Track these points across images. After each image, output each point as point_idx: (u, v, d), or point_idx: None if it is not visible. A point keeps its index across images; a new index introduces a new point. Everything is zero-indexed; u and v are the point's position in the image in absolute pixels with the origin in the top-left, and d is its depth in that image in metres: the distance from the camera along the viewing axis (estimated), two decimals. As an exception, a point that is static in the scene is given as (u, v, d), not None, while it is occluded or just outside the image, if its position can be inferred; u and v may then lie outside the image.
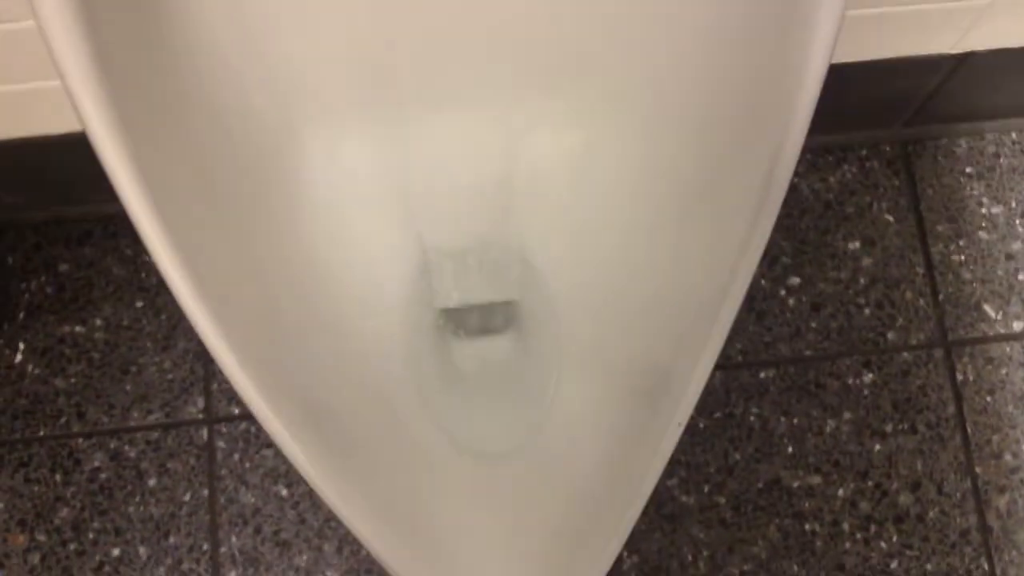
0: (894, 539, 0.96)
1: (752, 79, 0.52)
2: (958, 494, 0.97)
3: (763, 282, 1.01)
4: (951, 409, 0.99)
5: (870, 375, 0.99)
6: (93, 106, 0.41)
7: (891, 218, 1.03)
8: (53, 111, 0.77)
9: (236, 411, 0.97)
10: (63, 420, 0.96)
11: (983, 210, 1.03)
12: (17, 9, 0.64)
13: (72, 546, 0.94)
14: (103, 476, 0.95)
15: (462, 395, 0.65)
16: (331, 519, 0.94)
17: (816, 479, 0.97)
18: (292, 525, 0.94)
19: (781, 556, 0.95)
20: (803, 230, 1.02)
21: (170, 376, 0.97)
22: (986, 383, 0.99)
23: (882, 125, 1.02)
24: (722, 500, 0.96)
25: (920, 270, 1.02)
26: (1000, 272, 1.02)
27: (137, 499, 0.95)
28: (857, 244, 1.02)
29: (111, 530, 0.94)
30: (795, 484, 0.97)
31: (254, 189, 0.58)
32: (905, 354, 1.00)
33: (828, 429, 0.98)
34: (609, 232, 0.62)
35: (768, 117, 0.49)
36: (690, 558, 0.95)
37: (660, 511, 0.96)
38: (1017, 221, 1.03)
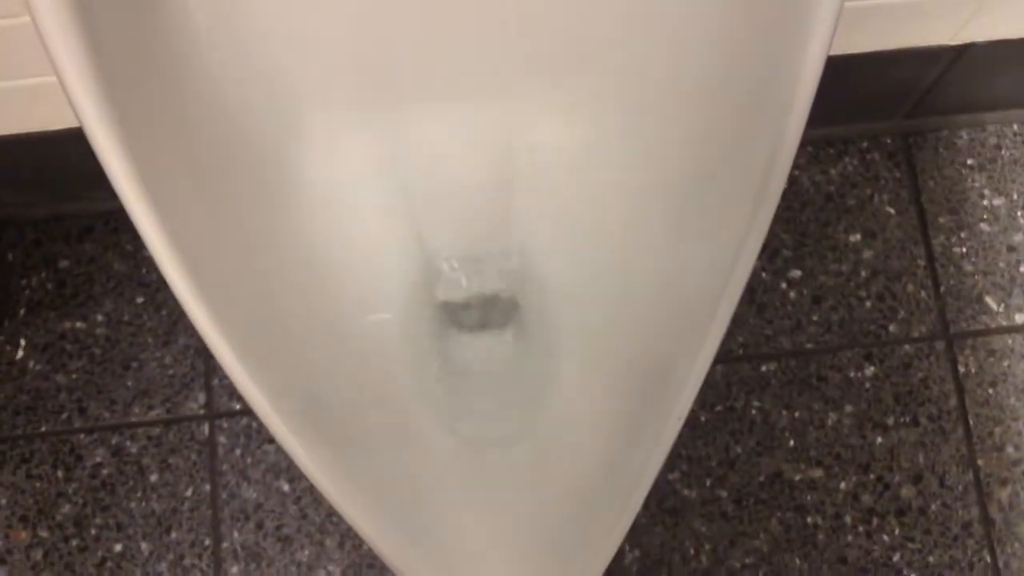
0: (896, 532, 0.96)
1: (751, 72, 0.52)
2: (960, 487, 0.97)
3: (764, 275, 1.01)
4: (953, 402, 0.99)
5: (872, 368, 0.99)
6: (90, 103, 0.41)
7: (892, 210, 1.03)
8: (52, 107, 0.77)
9: (237, 406, 0.97)
10: (64, 416, 0.96)
11: (984, 202, 1.03)
12: (13, 5, 0.64)
13: (74, 542, 0.94)
14: (105, 472, 0.95)
15: (462, 389, 0.65)
16: (333, 514, 0.94)
17: (818, 472, 0.97)
18: (294, 520, 0.94)
19: (783, 549, 0.95)
20: (804, 223, 1.02)
21: (171, 372, 0.97)
22: (988, 375, 0.99)
23: (883, 117, 1.02)
24: (724, 494, 0.96)
25: (921, 262, 1.02)
26: (1002, 264, 1.02)
27: (139, 495, 0.95)
28: (858, 236, 1.02)
29: (113, 526, 0.94)
30: (797, 477, 0.97)
31: (253, 184, 0.57)
32: (907, 347, 1.00)
33: (830, 422, 0.98)
34: (609, 226, 0.62)
35: (767, 109, 0.48)
36: (692, 552, 0.95)
37: (662, 505, 0.96)
38: (1019, 213, 1.03)
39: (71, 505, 0.94)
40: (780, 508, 0.96)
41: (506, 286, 0.67)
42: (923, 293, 1.01)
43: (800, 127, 0.46)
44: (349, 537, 0.94)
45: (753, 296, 1.00)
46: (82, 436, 0.96)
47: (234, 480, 0.95)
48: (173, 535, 0.94)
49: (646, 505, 0.95)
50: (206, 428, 0.96)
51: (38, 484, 0.95)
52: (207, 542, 0.94)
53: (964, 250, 1.02)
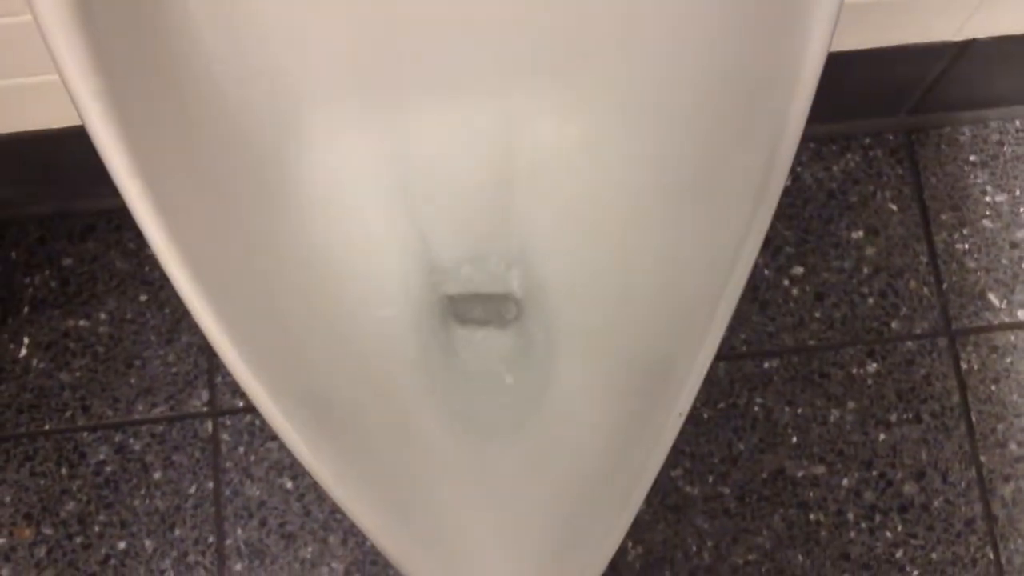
0: (899, 528, 0.96)
1: (752, 68, 0.52)
2: (963, 483, 0.97)
3: (766, 272, 1.01)
4: (955, 398, 0.99)
5: (874, 364, 0.99)
6: (91, 100, 0.41)
7: (895, 207, 1.03)
8: (54, 106, 0.78)
9: (240, 404, 0.97)
10: (68, 414, 0.96)
11: (987, 198, 1.03)
12: (14, 4, 0.64)
13: (78, 539, 0.94)
14: (108, 469, 0.95)
15: (463, 387, 0.65)
16: (336, 511, 0.95)
17: (820, 469, 0.97)
18: (297, 517, 0.94)
19: (786, 546, 0.95)
20: (806, 219, 1.02)
21: (174, 369, 0.98)
22: (990, 372, 0.99)
23: (885, 113, 1.02)
24: (726, 490, 0.96)
25: (924, 259, 1.01)
26: (1004, 260, 1.02)
27: (142, 492, 0.95)
28: (860, 233, 1.02)
29: (117, 523, 0.94)
30: (799, 474, 0.97)
31: (253, 183, 0.58)
32: (909, 343, 1.00)
33: (832, 419, 0.98)
34: (610, 222, 0.62)
35: (768, 106, 0.48)
36: (694, 548, 0.95)
37: (664, 502, 0.96)
38: (1021, 209, 1.03)
39: (75, 502, 0.95)
40: (783, 505, 0.96)
41: (507, 284, 0.67)
42: (925, 290, 1.01)
43: (800, 125, 0.46)
44: (352, 534, 0.94)
45: (756, 293, 1.00)
46: (86, 434, 0.96)
47: (237, 477, 0.95)
48: (177, 532, 0.94)
49: (648, 502, 0.95)
50: (209, 425, 0.97)
51: (42, 482, 0.95)
52: (210, 539, 0.94)
53: (966, 247, 1.02)
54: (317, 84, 0.60)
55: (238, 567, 0.94)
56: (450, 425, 0.62)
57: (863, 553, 0.95)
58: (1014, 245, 1.02)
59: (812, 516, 0.96)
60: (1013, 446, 0.98)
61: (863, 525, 0.96)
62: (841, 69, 0.85)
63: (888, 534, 0.96)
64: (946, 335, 1.00)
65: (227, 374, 0.97)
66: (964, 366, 0.99)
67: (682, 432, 0.49)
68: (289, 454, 0.89)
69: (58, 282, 0.99)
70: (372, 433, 0.56)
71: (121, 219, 1.01)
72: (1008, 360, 1.00)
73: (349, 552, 0.94)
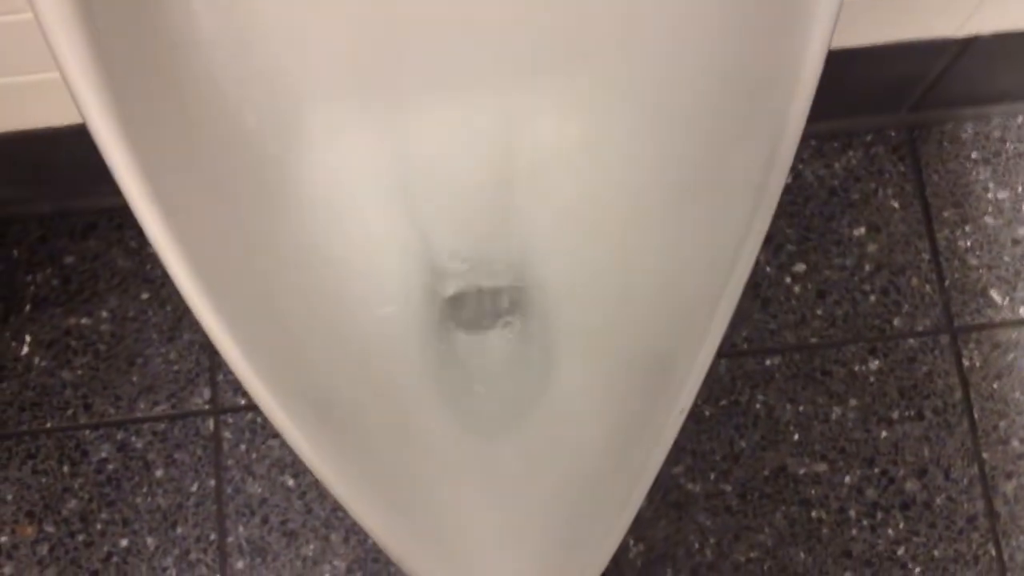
0: (901, 526, 0.96)
1: (752, 67, 0.51)
2: (965, 480, 0.97)
3: (768, 269, 1.01)
4: (958, 395, 0.99)
5: (876, 362, 0.99)
6: (93, 98, 0.41)
7: (896, 204, 1.03)
8: (56, 103, 0.78)
9: (242, 402, 0.97)
10: (70, 412, 0.97)
11: (989, 195, 1.03)
12: (16, 1, 0.64)
13: (80, 537, 0.94)
14: (110, 467, 0.95)
15: (464, 384, 0.65)
16: (338, 509, 0.95)
17: (822, 466, 0.97)
18: (299, 515, 0.95)
19: (787, 543, 0.95)
20: (808, 217, 1.02)
21: (176, 367, 0.98)
22: (993, 369, 0.99)
23: (887, 110, 1.02)
24: (728, 488, 0.96)
25: (926, 256, 1.01)
26: (1007, 257, 1.01)
27: (144, 490, 0.95)
28: (862, 230, 1.02)
29: (119, 521, 0.94)
30: (801, 471, 0.97)
31: (253, 182, 0.58)
32: (911, 340, 1.00)
33: (834, 416, 0.98)
34: (610, 220, 0.62)
35: (768, 103, 0.48)
36: (696, 546, 0.95)
37: (666, 499, 0.96)
38: (1023, 206, 1.03)
39: (77, 500, 0.95)
40: (784, 502, 0.96)
41: (507, 283, 0.67)
42: (927, 287, 1.01)
43: (801, 124, 0.46)
44: (354, 532, 0.94)
45: (757, 290, 1.00)
46: (87, 432, 0.96)
47: (239, 475, 0.95)
48: (179, 530, 0.94)
49: (650, 499, 0.95)
50: (211, 423, 0.97)
51: (44, 480, 0.95)
52: (212, 537, 0.94)
53: (968, 244, 1.02)
54: (317, 83, 0.60)
55: (240, 565, 0.94)
56: (451, 423, 0.62)
57: (865, 550, 0.95)
58: (1016, 242, 1.02)
59: (814, 513, 0.96)
60: (1015, 443, 0.98)
61: (865, 522, 0.96)
62: (843, 66, 0.85)
63: (890, 531, 0.96)
64: (948, 332, 1.00)
65: (229, 372, 0.97)
66: (966, 363, 0.99)
67: (683, 429, 0.49)
68: (291, 452, 0.89)
69: (60, 280, 1.00)
70: (373, 432, 0.56)
71: (122, 217, 1.01)
72: (1010, 357, 0.99)
73: (351, 550, 0.94)
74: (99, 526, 0.94)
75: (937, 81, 0.94)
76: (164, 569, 0.94)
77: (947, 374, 0.99)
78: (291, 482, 0.95)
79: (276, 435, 0.96)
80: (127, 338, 0.98)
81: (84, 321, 0.99)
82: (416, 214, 0.65)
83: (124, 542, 0.94)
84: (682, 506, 0.96)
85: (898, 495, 0.96)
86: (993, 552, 0.95)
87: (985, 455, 0.97)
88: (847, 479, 0.97)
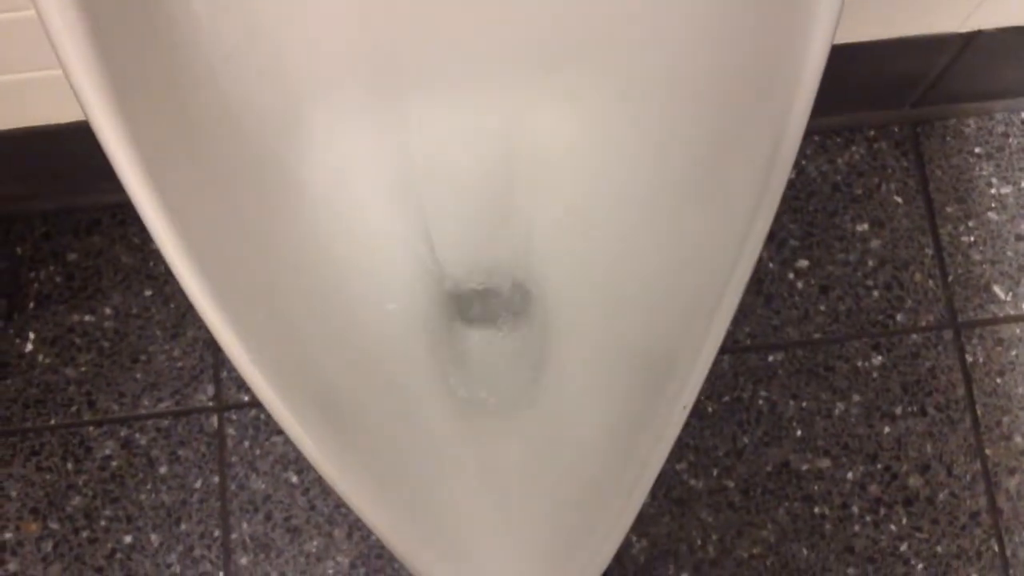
0: (904, 522, 0.96)
1: (755, 64, 0.51)
2: (968, 476, 0.97)
3: (771, 265, 1.00)
4: (961, 391, 0.98)
5: (879, 357, 0.99)
6: (95, 95, 0.41)
7: (900, 199, 1.02)
8: (59, 100, 0.78)
9: (246, 398, 0.97)
10: (74, 409, 0.97)
11: (992, 190, 1.03)
12: (18, -1, 0.64)
13: (84, 533, 0.94)
14: (114, 464, 0.96)
15: (467, 381, 0.65)
16: (341, 505, 0.95)
17: (825, 462, 0.97)
18: (302, 511, 0.95)
19: (790, 539, 0.95)
20: (811, 212, 1.02)
21: (180, 364, 0.98)
22: (996, 364, 0.99)
23: (890, 106, 1.02)
24: (731, 484, 0.96)
25: (929, 251, 1.01)
26: (1010, 253, 1.01)
27: (148, 486, 0.95)
28: (865, 226, 1.02)
29: (123, 517, 0.95)
30: (804, 467, 0.97)
31: (257, 178, 0.58)
32: (914, 336, 0.99)
33: (837, 412, 0.98)
34: (613, 216, 0.62)
35: (771, 99, 0.48)
36: (699, 542, 0.95)
37: (669, 495, 0.96)
38: (1027, 201, 1.03)
39: (81, 497, 0.95)
40: (787, 498, 0.96)
41: (510, 280, 0.67)
42: (931, 282, 1.01)
43: (805, 117, 0.46)
44: (357, 528, 0.94)
45: (760, 286, 1.00)
46: (91, 429, 0.96)
47: (243, 472, 0.95)
48: (182, 527, 0.94)
49: (653, 495, 0.95)
50: (215, 420, 0.97)
51: (48, 476, 0.95)
52: (216, 533, 0.94)
53: (972, 239, 1.02)
54: (319, 82, 0.60)
55: (244, 561, 0.94)
56: (454, 420, 0.62)
57: (868, 546, 0.95)
58: (1020, 237, 1.02)
59: (817, 509, 0.96)
60: (1019, 439, 0.98)
61: (868, 518, 0.96)
62: (846, 61, 0.85)
63: (893, 527, 0.96)
64: (951, 328, 1.00)
65: (232, 369, 0.97)
66: (969, 359, 0.99)
67: (686, 426, 0.49)
68: (294, 448, 0.90)
69: (63, 277, 1.00)
70: (376, 428, 0.56)
71: (126, 214, 1.01)
72: (1014, 353, 0.99)
73: (354, 546, 0.94)
74: (103, 523, 0.94)
75: (940, 76, 0.94)
76: (168, 565, 0.94)
77: (950, 370, 0.99)
78: (295, 478, 0.95)
79: (280, 432, 0.96)
80: (131, 335, 0.98)
81: (88, 318, 0.99)
82: (418, 212, 0.65)
83: (128, 539, 0.94)
84: (685, 502, 0.96)
85: (901, 491, 0.96)
86: (996, 548, 0.95)
87: (988, 451, 0.97)
88: (850, 475, 0.96)
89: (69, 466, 0.96)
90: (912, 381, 0.99)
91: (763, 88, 0.50)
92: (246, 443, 0.96)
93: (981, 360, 0.99)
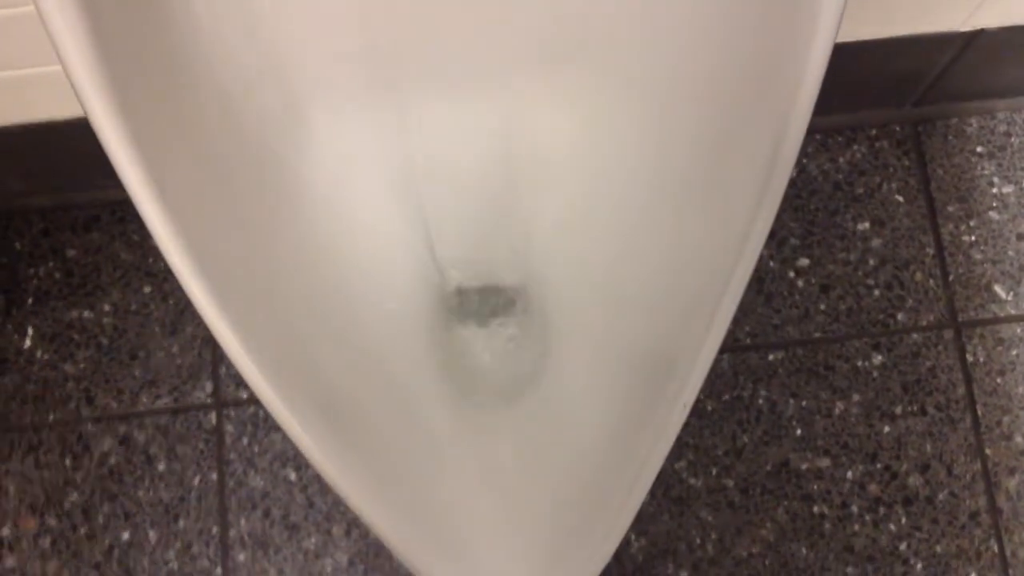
0: (903, 521, 0.96)
1: (755, 60, 0.51)
2: (968, 476, 0.97)
3: (772, 264, 1.00)
4: (961, 391, 0.98)
5: (879, 357, 0.99)
6: (94, 91, 0.41)
7: (901, 198, 1.02)
8: (58, 96, 0.77)
9: (244, 395, 0.97)
10: (72, 405, 0.97)
11: (994, 190, 1.03)
12: (18, -6, 0.64)
13: (82, 530, 0.94)
14: (112, 460, 0.96)
15: (467, 378, 0.65)
16: (339, 503, 0.95)
17: (825, 461, 0.97)
18: (301, 508, 0.95)
19: (789, 538, 0.95)
20: (812, 211, 1.02)
21: (178, 361, 0.98)
22: (996, 364, 0.99)
23: (892, 105, 1.02)
24: (730, 483, 0.96)
25: (930, 251, 1.01)
26: (1011, 252, 1.01)
27: (146, 483, 0.95)
28: (866, 225, 1.02)
29: (121, 514, 0.95)
30: (804, 466, 0.97)
31: (258, 176, 0.57)
32: (915, 335, 0.99)
33: (837, 411, 0.98)
34: (614, 216, 0.62)
35: (772, 99, 0.48)
36: (698, 541, 0.95)
37: (668, 494, 0.96)
38: (1028, 201, 1.02)
39: (79, 494, 0.95)
40: (787, 497, 0.96)
41: (510, 279, 0.67)
42: (931, 282, 1.00)
43: (806, 116, 0.46)
44: (356, 525, 0.94)
45: (761, 285, 1.00)
46: (90, 425, 0.96)
47: (241, 468, 0.95)
48: (180, 523, 0.94)
49: (652, 494, 0.95)
50: (213, 417, 0.97)
51: (46, 473, 0.95)
52: (214, 530, 0.94)
53: (973, 238, 1.01)
54: (319, 81, 0.60)
55: (242, 558, 0.94)
56: (453, 420, 0.62)
57: (867, 546, 0.95)
58: (1021, 237, 1.01)
59: (816, 509, 0.96)
60: (1019, 439, 0.98)
61: (867, 518, 0.96)
62: (847, 60, 0.85)
63: (892, 527, 0.96)
64: (952, 327, 1.00)
65: (231, 366, 0.97)
66: (970, 358, 0.99)
67: (686, 424, 0.49)
68: (292, 445, 0.89)
69: (62, 273, 0.99)
70: (375, 427, 0.56)
71: (125, 210, 1.01)
72: (1014, 352, 0.99)
73: (352, 543, 0.94)
74: (101, 519, 0.94)
75: (942, 75, 0.94)
76: (166, 562, 0.94)
77: (951, 369, 0.99)
78: (293, 476, 0.95)
79: (278, 429, 0.96)
80: (129, 331, 0.98)
81: (86, 314, 0.99)
82: (418, 211, 0.64)
83: (126, 535, 0.94)
84: (684, 501, 0.96)
85: (900, 491, 0.96)
86: (995, 548, 0.95)
87: (988, 451, 0.97)
88: (849, 474, 0.96)
89: (67, 462, 0.95)
90: (912, 380, 0.98)
91: (764, 88, 0.50)
92: (244, 440, 0.96)
93: (982, 360, 0.99)
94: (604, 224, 0.62)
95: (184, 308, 0.98)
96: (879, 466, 0.97)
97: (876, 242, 1.01)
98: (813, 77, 0.45)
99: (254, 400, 0.97)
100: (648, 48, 0.58)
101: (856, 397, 0.98)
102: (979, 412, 0.98)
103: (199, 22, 0.52)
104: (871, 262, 1.01)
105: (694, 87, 0.56)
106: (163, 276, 0.99)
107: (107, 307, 0.99)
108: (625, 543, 0.95)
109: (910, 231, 1.01)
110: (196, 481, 0.95)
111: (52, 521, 0.94)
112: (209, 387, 0.97)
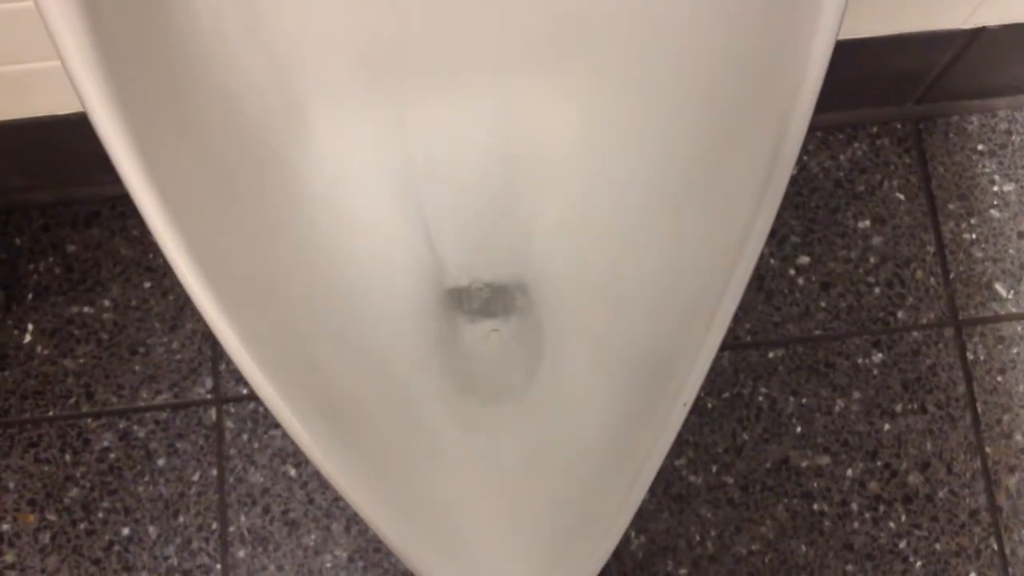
0: (903, 519, 0.96)
1: (756, 58, 0.51)
2: (968, 474, 0.97)
3: (772, 261, 1.00)
4: (961, 389, 0.98)
5: (880, 355, 0.99)
6: (93, 88, 0.41)
7: (902, 196, 1.02)
8: (58, 91, 0.77)
9: (244, 391, 0.97)
10: (72, 400, 0.97)
11: (995, 188, 1.02)
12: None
13: (82, 525, 0.94)
14: (112, 456, 0.96)
15: (467, 377, 0.65)
16: (339, 499, 0.95)
17: (825, 459, 0.97)
18: (300, 505, 0.95)
19: (789, 536, 0.95)
20: (813, 209, 1.02)
21: (178, 356, 0.98)
22: (997, 362, 0.99)
23: (893, 102, 1.01)
24: (730, 480, 0.96)
25: (931, 249, 1.01)
26: (1012, 251, 1.01)
27: (146, 479, 0.95)
28: (867, 223, 1.01)
29: (120, 509, 0.95)
30: (804, 464, 0.97)
31: (257, 174, 0.57)
32: (915, 333, 0.99)
33: (837, 409, 0.98)
34: (614, 215, 0.62)
35: (773, 97, 0.48)
36: (698, 538, 0.95)
37: (668, 491, 0.96)
38: (1029, 199, 1.02)
39: (79, 489, 0.95)
40: (786, 495, 0.96)
41: (510, 278, 0.66)
42: (932, 280, 1.00)
43: (808, 114, 0.46)
44: (355, 522, 0.94)
45: (761, 283, 1.00)
46: (90, 420, 0.96)
47: (241, 464, 0.95)
48: (180, 519, 0.94)
49: (652, 491, 0.95)
50: (213, 413, 0.97)
51: (46, 468, 0.95)
52: (214, 526, 0.94)
53: (974, 236, 1.01)
54: (320, 80, 0.59)
55: (241, 554, 0.94)
56: (453, 417, 0.62)
57: (867, 543, 0.95)
58: (1022, 235, 1.01)
59: (816, 506, 0.96)
60: (1019, 437, 0.98)
61: (867, 515, 0.96)
62: (849, 57, 0.85)
63: (892, 524, 0.96)
64: (952, 325, 1.00)
65: (231, 362, 0.97)
66: (970, 356, 0.99)
67: (686, 422, 0.49)
68: (292, 442, 0.89)
69: (62, 269, 0.99)
70: (375, 424, 0.56)
71: (125, 206, 1.00)
72: (1015, 351, 0.99)
73: (352, 540, 0.94)
74: (101, 515, 0.94)
75: (943, 73, 0.94)
76: (166, 558, 0.94)
77: (951, 367, 0.99)
78: (293, 472, 0.95)
79: (278, 425, 0.96)
80: (129, 327, 0.98)
81: (86, 310, 0.99)
82: (419, 211, 0.64)
83: (126, 531, 0.94)
84: (684, 498, 0.96)
85: (900, 488, 0.96)
86: (995, 546, 0.95)
87: (988, 449, 0.97)
88: (849, 472, 0.96)
89: (67, 458, 0.95)
90: (912, 378, 0.98)
91: (765, 87, 0.49)
92: (244, 436, 0.96)
93: (982, 358, 0.99)
94: (604, 224, 0.62)
95: (184, 304, 0.98)
96: (879, 464, 0.97)
97: (877, 240, 1.01)
98: (814, 77, 0.45)
99: (254, 396, 0.97)
100: (648, 48, 0.58)
101: (856, 395, 0.98)
102: (979, 410, 0.98)
103: (199, 20, 0.51)
104: (872, 260, 1.01)
105: (694, 86, 0.56)
106: (163, 272, 0.99)
107: (107, 303, 0.99)
108: (625, 540, 0.95)
109: (911, 229, 1.01)
110: (196, 477, 0.95)
111: (52, 516, 0.95)
112: (209, 383, 0.97)
